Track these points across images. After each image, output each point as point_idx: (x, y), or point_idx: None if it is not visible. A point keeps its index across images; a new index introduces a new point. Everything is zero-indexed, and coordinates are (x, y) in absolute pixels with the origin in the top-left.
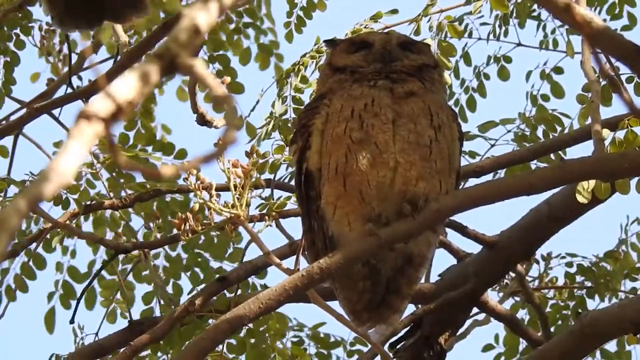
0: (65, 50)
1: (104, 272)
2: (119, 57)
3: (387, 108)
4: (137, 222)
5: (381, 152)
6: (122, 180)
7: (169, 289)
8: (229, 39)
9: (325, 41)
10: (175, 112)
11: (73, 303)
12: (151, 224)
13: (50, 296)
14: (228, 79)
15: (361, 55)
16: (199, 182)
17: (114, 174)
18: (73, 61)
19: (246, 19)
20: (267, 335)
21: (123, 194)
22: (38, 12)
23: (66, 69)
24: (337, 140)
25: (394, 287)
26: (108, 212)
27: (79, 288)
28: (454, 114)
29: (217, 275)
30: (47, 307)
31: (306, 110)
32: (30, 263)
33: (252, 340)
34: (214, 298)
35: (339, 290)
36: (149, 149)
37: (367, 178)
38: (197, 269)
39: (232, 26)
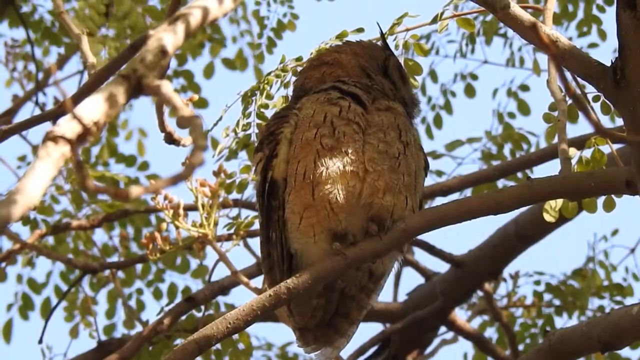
0: (30, 66)
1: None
2: (85, 75)
3: (360, 117)
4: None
5: (352, 160)
6: (86, 198)
7: (132, 303)
8: (193, 53)
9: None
10: (145, 128)
11: (31, 314)
12: (118, 245)
13: (9, 307)
14: (195, 97)
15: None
16: (166, 201)
17: (79, 190)
18: (39, 78)
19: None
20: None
21: (89, 211)
22: (4, 27)
23: (32, 85)
24: (306, 146)
25: (343, 310)
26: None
27: (37, 300)
28: (420, 145)
29: (185, 297)
30: (6, 318)
31: (275, 118)
32: None
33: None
34: (182, 318)
35: (292, 306)
36: (111, 161)
37: (337, 187)
38: (159, 285)
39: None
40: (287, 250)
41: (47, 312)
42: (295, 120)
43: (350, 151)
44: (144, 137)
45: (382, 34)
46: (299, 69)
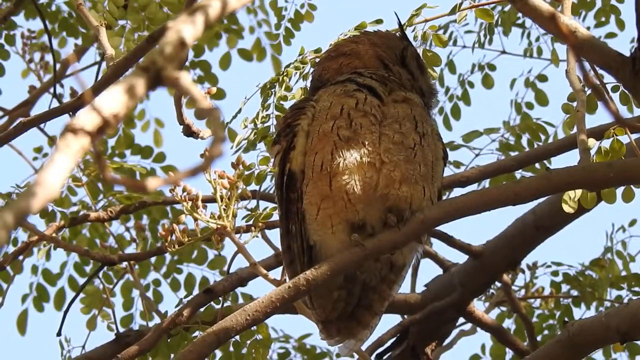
0: (47, 57)
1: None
2: (102, 67)
3: (376, 109)
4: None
5: (368, 152)
6: (103, 189)
7: (149, 295)
8: (210, 44)
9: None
10: (163, 120)
11: (46, 305)
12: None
13: (24, 298)
14: (214, 89)
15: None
16: (185, 193)
17: (96, 181)
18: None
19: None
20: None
21: (106, 202)
22: (20, 18)
23: (48, 76)
24: (324, 138)
25: (365, 302)
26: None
27: (52, 290)
28: (439, 135)
29: (203, 288)
30: (20, 309)
31: (292, 109)
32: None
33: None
34: (201, 309)
35: (313, 299)
36: (127, 152)
37: (354, 178)
38: (177, 276)
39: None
40: (307, 242)
41: (61, 303)
42: (312, 112)
43: (366, 142)
44: (161, 127)
45: (400, 25)
46: (318, 60)
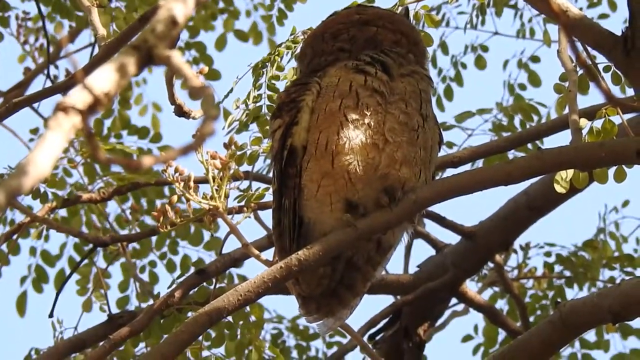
0: (42, 39)
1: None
2: (95, 48)
3: (384, 85)
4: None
5: (373, 133)
6: (99, 170)
7: (145, 276)
8: (205, 26)
9: None
10: (155, 99)
11: (45, 287)
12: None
13: (22, 280)
14: (206, 69)
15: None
16: (177, 174)
17: (92, 162)
18: (50, 50)
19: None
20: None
21: (100, 183)
22: (14, 0)
23: (42, 59)
24: (330, 117)
25: (348, 281)
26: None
27: (51, 272)
28: (436, 120)
29: (196, 268)
30: (20, 291)
31: (296, 84)
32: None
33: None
34: (193, 290)
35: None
36: (124, 133)
37: (357, 159)
38: (173, 257)
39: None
40: (300, 218)
41: (61, 284)
42: (316, 88)
43: (372, 123)
44: (159, 111)
45: (407, 12)
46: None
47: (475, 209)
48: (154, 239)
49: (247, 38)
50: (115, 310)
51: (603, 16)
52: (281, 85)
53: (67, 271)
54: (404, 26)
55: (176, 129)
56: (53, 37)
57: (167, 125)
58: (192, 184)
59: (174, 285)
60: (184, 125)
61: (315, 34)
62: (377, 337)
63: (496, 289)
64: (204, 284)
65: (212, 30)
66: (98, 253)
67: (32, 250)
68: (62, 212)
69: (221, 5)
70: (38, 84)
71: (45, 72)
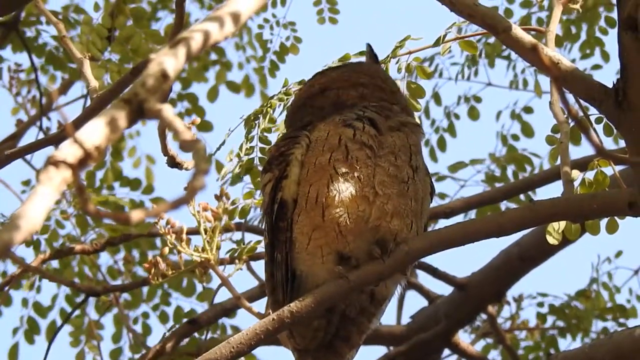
0: (35, 91)
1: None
2: (88, 99)
3: (372, 139)
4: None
5: (363, 186)
6: (91, 222)
7: (138, 328)
8: (198, 78)
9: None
10: (149, 151)
11: (37, 338)
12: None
13: (15, 331)
14: (198, 120)
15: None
16: (169, 226)
17: (84, 214)
18: (43, 102)
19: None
20: None
21: (92, 235)
22: (7, 52)
23: (35, 111)
24: (320, 170)
25: (344, 334)
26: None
27: (43, 323)
28: (427, 169)
29: (187, 319)
30: (12, 342)
31: (285, 138)
32: None
33: None
34: (185, 341)
35: (293, 327)
36: (116, 184)
37: (347, 211)
38: (165, 308)
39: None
40: (292, 272)
41: (53, 335)
42: (305, 142)
43: (362, 177)
44: (152, 163)
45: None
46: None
47: (467, 260)
48: (145, 290)
49: (240, 90)
50: None
51: (596, 67)
52: (273, 138)
53: (59, 322)
54: (364, 76)
55: (171, 180)
56: (46, 89)
57: (161, 177)
58: (184, 236)
59: (165, 334)
60: (178, 176)
61: (288, 111)
62: None
63: (489, 340)
64: (196, 334)
65: (205, 82)
66: (90, 304)
67: (24, 302)
68: (55, 264)
69: (213, 57)
70: (31, 135)
71: (38, 124)
